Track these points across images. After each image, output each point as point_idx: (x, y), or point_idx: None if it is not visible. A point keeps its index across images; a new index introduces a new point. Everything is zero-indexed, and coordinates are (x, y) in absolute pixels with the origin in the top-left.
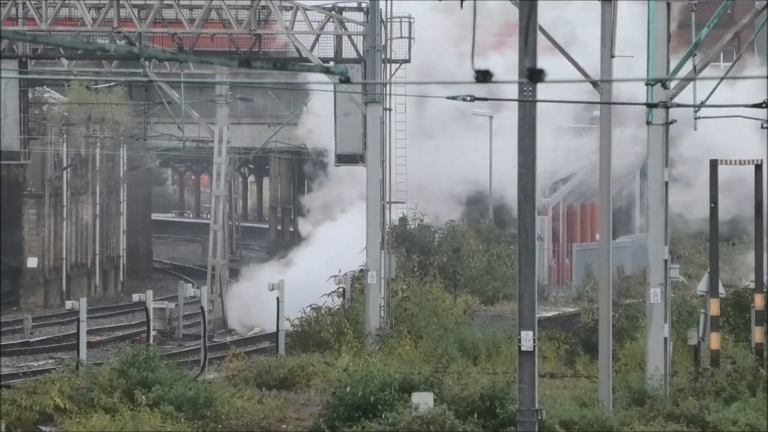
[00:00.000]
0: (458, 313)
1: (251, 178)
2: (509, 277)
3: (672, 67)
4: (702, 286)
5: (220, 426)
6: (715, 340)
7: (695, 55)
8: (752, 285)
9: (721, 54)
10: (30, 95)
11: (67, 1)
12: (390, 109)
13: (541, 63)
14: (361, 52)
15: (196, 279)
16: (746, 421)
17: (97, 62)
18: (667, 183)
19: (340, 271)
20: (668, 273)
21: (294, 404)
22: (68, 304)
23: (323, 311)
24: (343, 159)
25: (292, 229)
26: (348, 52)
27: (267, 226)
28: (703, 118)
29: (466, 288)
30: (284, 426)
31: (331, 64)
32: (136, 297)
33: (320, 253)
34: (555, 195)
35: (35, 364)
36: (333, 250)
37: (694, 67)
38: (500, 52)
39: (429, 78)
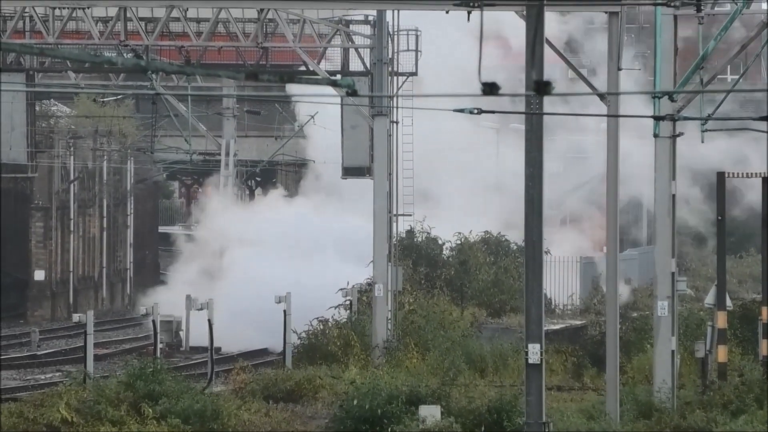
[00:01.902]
0: (465, 325)
1: (258, 191)
2: (516, 290)
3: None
4: (709, 298)
5: None
6: (722, 353)
7: (702, 68)
8: (759, 297)
9: (728, 67)
10: (37, 108)
11: (74, 15)
12: (397, 122)
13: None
14: (368, 65)
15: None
16: None
17: (104, 75)
18: (674, 195)
19: (348, 283)
20: (675, 286)
21: (301, 417)
22: (75, 317)
23: (330, 324)
24: (350, 171)
25: None
26: (355, 65)
27: None
28: (710, 131)
29: (473, 300)
30: None
31: (338, 76)
32: (143, 309)
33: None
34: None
35: (42, 377)
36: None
37: (701, 80)
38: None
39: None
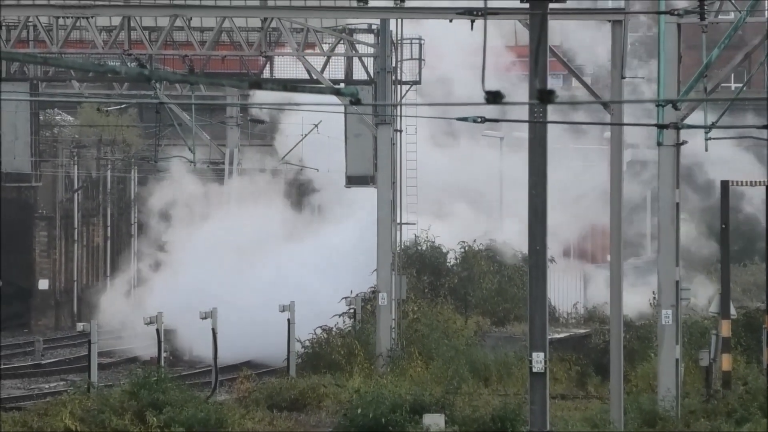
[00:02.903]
0: (469, 334)
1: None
2: (520, 299)
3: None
4: (713, 307)
5: None
6: (726, 362)
7: (706, 76)
8: (763, 306)
9: (732, 75)
10: (41, 117)
11: (77, 24)
12: (401, 131)
13: None
14: (372, 74)
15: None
16: None
17: (108, 84)
18: (678, 204)
19: (351, 292)
20: (679, 294)
21: (305, 426)
22: (79, 326)
23: (334, 333)
24: (354, 180)
25: None
26: (358, 73)
27: None
28: (714, 139)
29: (477, 309)
30: None
31: (342, 85)
32: (146, 319)
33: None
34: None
35: (46, 386)
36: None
37: (705, 88)
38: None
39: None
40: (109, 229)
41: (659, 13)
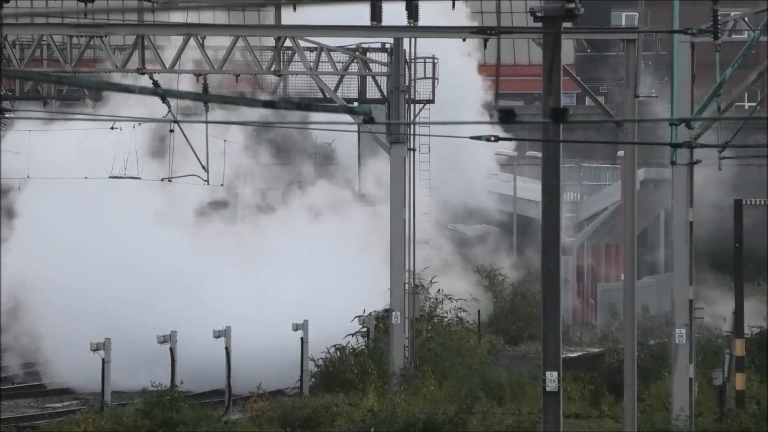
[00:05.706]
0: (482, 353)
1: None
2: (534, 317)
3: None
4: (727, 326)
5: None
6: (740, 381)
7: (719, 95)
8: None
9: (746, 94)
10: None
11: (91, 43)
12: (414, 150)
13: None
14: (385, 93)
15: None
16: None
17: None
18: (691, 223)
19: (364, 311)
20: (693, 313)
21: None
22: (93, 344)
23: (347, 351)
24: (367, 199)
25: None
26: (372, 92)
27: None
28: (727, 158)
29: (490, 328)
30: None
31: (355, 104)
32: (159, 337)
33: None
34: (580, 234)
35: (60, 405)
36: None
37: (719, 107)
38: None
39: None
40: None
41: (673, 32)
